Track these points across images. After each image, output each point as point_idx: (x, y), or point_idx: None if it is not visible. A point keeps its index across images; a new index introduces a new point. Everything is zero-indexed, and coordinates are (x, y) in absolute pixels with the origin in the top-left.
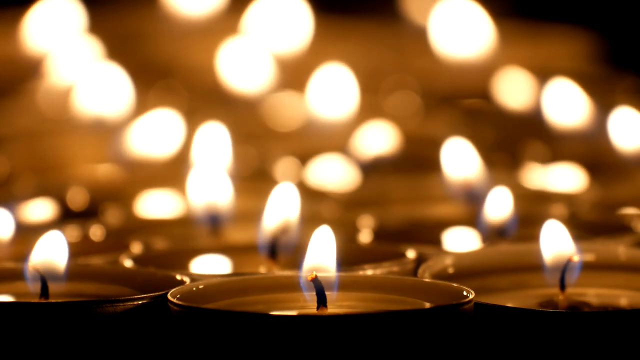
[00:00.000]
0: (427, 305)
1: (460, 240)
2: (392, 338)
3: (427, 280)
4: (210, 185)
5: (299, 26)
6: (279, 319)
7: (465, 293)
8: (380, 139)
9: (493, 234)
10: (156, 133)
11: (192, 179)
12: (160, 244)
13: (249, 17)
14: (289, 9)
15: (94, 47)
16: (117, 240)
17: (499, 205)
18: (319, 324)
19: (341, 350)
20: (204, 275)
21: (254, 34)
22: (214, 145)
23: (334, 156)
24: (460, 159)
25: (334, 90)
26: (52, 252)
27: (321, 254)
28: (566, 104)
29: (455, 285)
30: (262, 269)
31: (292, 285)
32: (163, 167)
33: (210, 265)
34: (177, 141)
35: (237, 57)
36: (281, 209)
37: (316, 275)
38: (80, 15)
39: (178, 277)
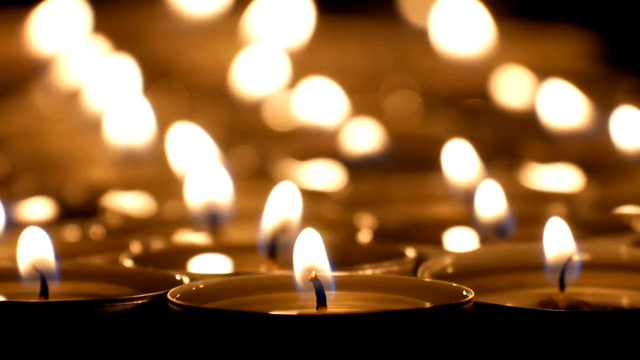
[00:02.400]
0: (427, 305)
1: (460, 240)
2: (392, 338)
3: (426, 280)
4: (210, 185)
5: (298, 26)
6: (278, 318)
7: (464, 293)
8: (378, 138)
9: (491, 233)
10: (156, 133)
11: (192, 179)
12: (159, 244)
13: (249, 17)
14: (288, 9)
15: (96, 46)
16: (116, 240)
17: (494, 204)
18: (319, 323)
19: (341, 350)
20: (204, 275)
21: (254, 34)
22: (211, 144)
23: (333, 156)
24: (460, 160)
25: (331, 90)
26: (39, 250)
27: (310, 255)
28: (566, 103)
29: (455, 285)
30: (262, 269)
31: (292, 285)
32: (162, 166)
33: (210, 265)
34: (176, 140)
35: (237, 57)
36: (281, 208)
37: (316, 275)
38: (82, 15)
39: (177, 277)
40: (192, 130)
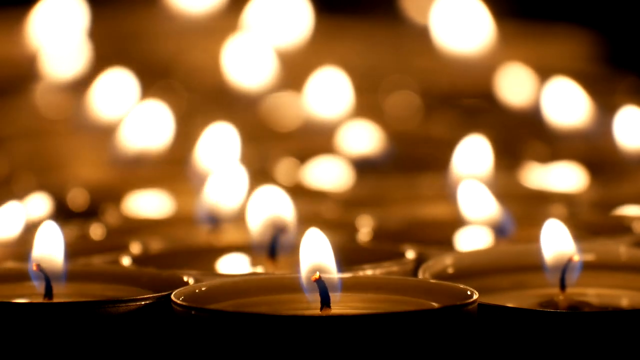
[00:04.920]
0: (431, 305)
1: (461, 240)
2: (397, 339)
3: (431, 280)
4: (211, 185)
5: (298, 26)
6: (282, 319)
7: (469, 293)
8: (378, 138)
9: (491, 233)
10: (156, 132)
11: (192, 178)
12: (159, 244)
13: (249, 16)
14: (288, 8)
15: (94, 46)
16: (116, 240)
17: (492, 204)
18: (323, 324)
19: (345, 351)
20: (208, 275)
21: (254, 33)
22: (222, 145)
23: (334, 156)
24: (467, 158)
25: (332, 90)
26: (50, 248)
27: (317, 255)
28: (566, 103)
29: (461, 286)
30: (262, 269)
31: (296, 286)
32: (162, 166)
33: (210, 265)
34: (177, 140)
35: (237, 56)
36: (272, 209)
37: (320, 276)
38: (80, 15)
39: (184, 278)
40: (194, 129)
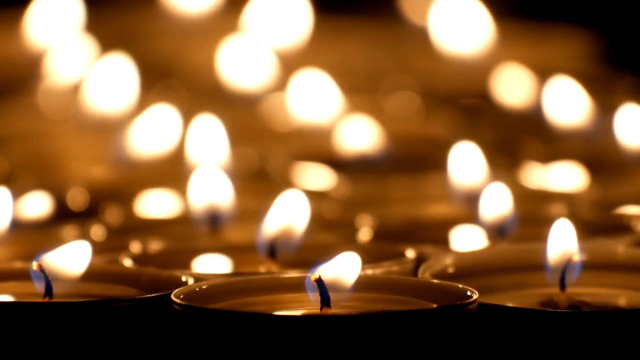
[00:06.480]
0: (431, 305)
1: (461, 240)
2: (397, 338)
3: (431, 280)
4: (211, 185)
5: (297, 26)
6: (282, 319)
7: (469, 293)
8: (378, 138)
9: (493, 233)
10: (156, 132)
11: (192, 178)
12: (159, 244)
13: (248, 16)
14: (287, 8)
15: (93, 46)
16: (116, 240)
17: (497, 204)
18: (323, 324)
19: (345, 350)
20: (208, 275)
21: (253, 33)
22: (212, 143)
23: (333, 156)
24: (464, 160)
25: (331, 91)
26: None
27: (344, 270)
28: (566, 103)
29: (460, 285)
30: (262, 269)
31: (296, 286)
32: (163, 166)
33: (210, 265)
34: (177, 140)
35: (237, 56)
36: (287, 213)
37: (320, 276)
38: (79, 14)
39: (183, 278)
40: (197, 130)
